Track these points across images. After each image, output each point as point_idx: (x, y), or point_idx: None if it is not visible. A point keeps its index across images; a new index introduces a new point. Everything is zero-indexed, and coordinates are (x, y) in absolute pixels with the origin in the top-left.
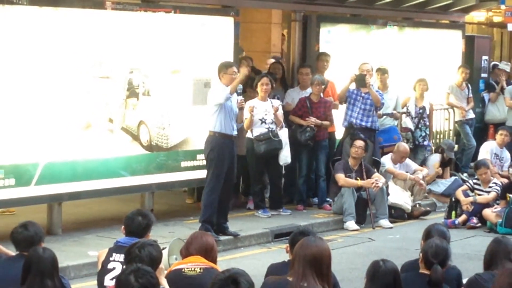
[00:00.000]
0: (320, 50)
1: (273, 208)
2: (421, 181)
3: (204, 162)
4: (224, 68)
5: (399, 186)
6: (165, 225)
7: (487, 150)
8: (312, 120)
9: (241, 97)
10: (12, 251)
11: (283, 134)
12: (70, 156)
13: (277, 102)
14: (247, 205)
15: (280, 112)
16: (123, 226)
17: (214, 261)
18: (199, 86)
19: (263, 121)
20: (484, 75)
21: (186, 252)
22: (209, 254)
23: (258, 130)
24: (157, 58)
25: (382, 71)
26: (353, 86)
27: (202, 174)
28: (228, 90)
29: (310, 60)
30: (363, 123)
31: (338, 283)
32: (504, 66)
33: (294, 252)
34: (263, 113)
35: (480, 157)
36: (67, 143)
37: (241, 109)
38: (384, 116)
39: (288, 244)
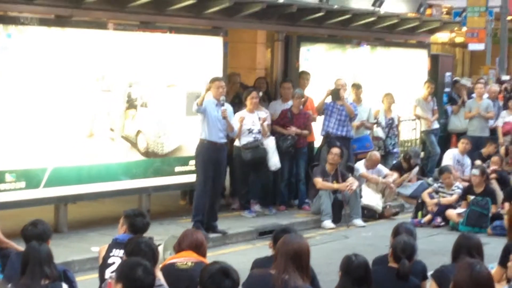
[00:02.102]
0: (300, 67)
1: (263, 205)
2: (391, 185)
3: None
4: (211, 81)
5: (372, 189)
6: (160, 224)
7: (450, 157)
8: (293, 129)
9: (223, 107)
10: (21, 247)
11: (270, 143)
12: (75, 162)
13: (263, 114)
14: (231, 205)
15: (267, 123)
16: (121, 224)
17: (204, 256)
18: (192, 99)
19: (250, 131)
20: (447, 89)
21: (178, 248)
22: (200, 249)
23: (246, 139)
24: (154, 74)
25: (357, 86)
26: (329, 99)
27: (194, 178)
28: (196, 101)
29: (291, 75)
30: (339, 132)
31: (316, 276)
32: (465, 81)
33: (277, 247)
34: (251, 123)
35: (444, 163)
36: (73, 150)
37: (224, 118)
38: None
39: (271, 241)
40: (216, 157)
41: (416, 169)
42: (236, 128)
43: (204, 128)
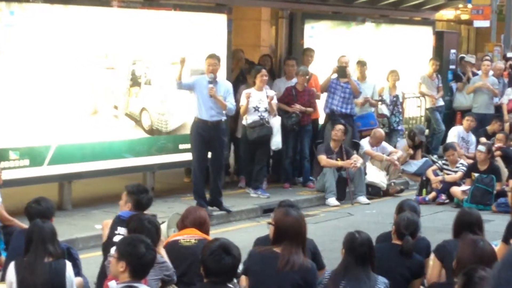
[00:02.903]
0: (304, 44)
1: (253, 188)
2: (396, 162)
3: None
4: (205, 59)
5: (376, 166)
6: (165, 202)
7: (455, 134)
8: (297, 107)
9: (210, 85)
10: (25, 225)
11: (276, 122)
12: (79, 139)
13: (272, 92)
14: (238, 183)
15: (275, 102)
16: (125, 201)
17: (207, 233)
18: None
19: (256, 109)
20: (452, 66)
21: (182, 225)
22: (203, 226)
23: (251, 118)
24: (158, 51)
25: (361, 63)
26: (333, 76)
27: None
28: (175, 83)
29: (296, 53)
30: (343, 110)
31: (319, 252)
32: (469, 58)
33: (276, 222)
34: (258, 101)
35: (448, 141)
36: (77, 128)
37: (211, 96)
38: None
39: (268, 220)
40: (208, 135)
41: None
42: (244, 104)
43: (196, 106)
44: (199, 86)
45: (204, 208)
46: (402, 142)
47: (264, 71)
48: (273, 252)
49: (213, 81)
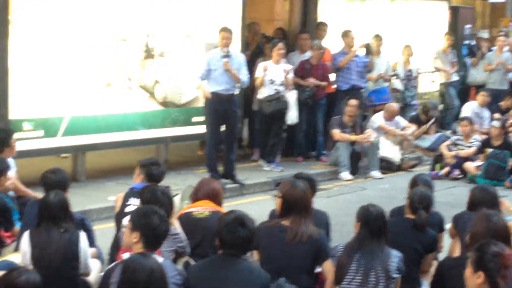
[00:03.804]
0: (319, 19)
1: (267, 161)
2: (409, 136)
3: None
4: (219, 32)
5: (390, 141)
6: (178, 174)
7: (469, 109)
8: (311, 81)
9: (225, 59)
10: (39, 195)
11: (292, 96)
12: (93, 111)
13: (288, 66)
14: (252, 156)
15: (291, 76)
16: (137, 174)
17: (220, 204)
18: (210, 49)
19: (272, 82)
20: (467, 41)
21: (195, 197)
22: (216, 198)
23: (267, 91)
24: (171, 23)
25: (378, 38)
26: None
27: None
28: (199, 80)
29: (310, 27)
30: (362, 84)
31: (330, 225)
32: (482, 34)
33: (283, 194)
34: (274, 75)
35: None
36: (90, 99)
37: (226, 70)
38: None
39: (275, 193)
40: (223, 109)
41: (432, 120)
42: (261, 76)
43: (209, 80)
44: (213, 62)
45: (218, 180)
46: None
47: (281, 45)
48: (281, 226)
49: (227, 55)
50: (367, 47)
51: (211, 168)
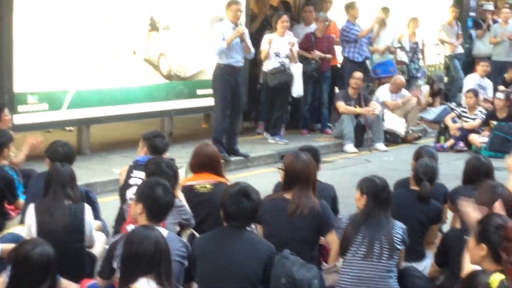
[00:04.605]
0: None
1: (272, 134)
2: (419, 97)
3: None
4: (228, 5)
5: (395, 113)
6: (183, 147)
7: (471, 81)
8: (317, 53)
9: (242, 27)
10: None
11: (297, 69)
12: (98, 84)
13: (293, 39)
14: (256, 129)
15: (296, 48)
16: (141, 147)
17: (219, 171)
18: (215, 22)
19: (277, 54)
20: (472, 13)
21: (192, 168)
22: (214, 167)
23: (272, 64)
24: None
25: (386, 10)
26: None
27: None
28: (224, 44)
29: None
30: (366, 54)
31: (337, 197)
32: (487, 6)
33: (286, 166)
34: (279, 47)
35: (465, 89)
36: (95, 73)
37: (242, 40)
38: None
39: (279, 165)
40: (234, 80)
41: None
42: (266, 48)
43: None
44: (226, 33)
45: (211, 144)
46: (425, 88)
47: (285, 17)
48: (284, 199)
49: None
50: (380, 20)
51: (217, 141)
